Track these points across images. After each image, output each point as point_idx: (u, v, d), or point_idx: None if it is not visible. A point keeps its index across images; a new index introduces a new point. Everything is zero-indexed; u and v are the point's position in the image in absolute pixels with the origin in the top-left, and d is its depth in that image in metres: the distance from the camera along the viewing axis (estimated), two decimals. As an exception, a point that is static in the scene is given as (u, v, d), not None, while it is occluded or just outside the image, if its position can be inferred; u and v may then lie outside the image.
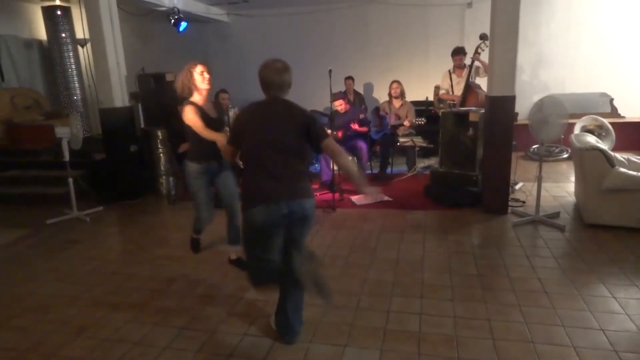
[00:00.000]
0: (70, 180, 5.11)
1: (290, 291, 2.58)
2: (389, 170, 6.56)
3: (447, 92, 6.27)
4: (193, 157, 3.32)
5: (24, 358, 2.61)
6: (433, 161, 6.93)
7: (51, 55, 7.95)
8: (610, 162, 3.98)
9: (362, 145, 5.79)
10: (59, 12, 7.66)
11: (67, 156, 5.06)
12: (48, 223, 5.00)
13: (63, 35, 7.76)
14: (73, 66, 7.95)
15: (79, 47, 7.99)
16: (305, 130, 2.40)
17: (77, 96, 8.05)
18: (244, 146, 2.45)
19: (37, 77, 8.19)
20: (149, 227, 4.88)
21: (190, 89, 3.20)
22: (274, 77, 2.41)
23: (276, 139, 2.36)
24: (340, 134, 5.84)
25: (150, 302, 3.17)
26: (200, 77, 3.17)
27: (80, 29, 7.67)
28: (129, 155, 5.78)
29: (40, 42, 8.23)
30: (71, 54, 7.89)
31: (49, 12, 7.68)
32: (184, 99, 3.24)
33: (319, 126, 2.45)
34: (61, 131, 4.97)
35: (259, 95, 2.59)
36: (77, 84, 8.04)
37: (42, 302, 3.27)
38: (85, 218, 5.11)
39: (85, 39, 7.51)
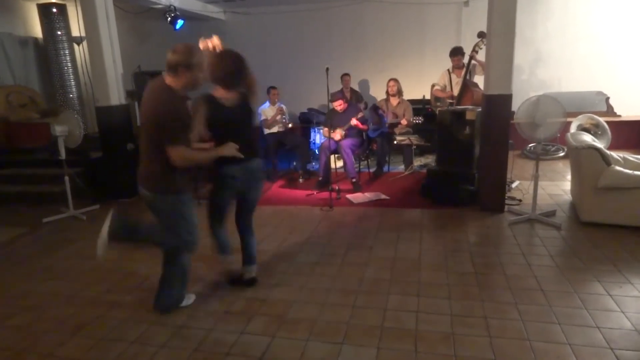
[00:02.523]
0: (67, 178, 5.10)
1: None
2: (385, 168, 6.58)
3: (443, 90, 6.28)
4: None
5: (21, 357, 2.60)
6: (430, 159, 6.95)
7: (47, 53, 7.91)
8: (606, 160, 4.00)
9: (347, 148, 5.65)
10: (54, 10, 7.62)
11: (63, 154, 5.04)
12: (44, 221, 4.98)
13: (59, 33, 7.72)
14: (69, 64, 7.91)
15: (75, 45, 7.95)
16: (155, 123, 2.51)
17: (73, 94, 8.02)
18: None
19: (32, 75, 8.15)
20: (146, 226, 4.86)
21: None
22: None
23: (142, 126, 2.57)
24: (338, 139, 5.80)
25: (147, 301, 3.16)
26: None
27: (76, 27, 7.63)
28: (126, 153, 5.76)
29: (35, 39, 8.19)
30: (67, 52, 7.86)
31: (44, 10, 7.64)
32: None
33: (169, 128, 2.48)
34: (58, 129, 4.95)
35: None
36: (73, 82, 8.00)
37: (39, 301, 3.27)
38: (82, 216, 5.09)
39: (81, 37, 7.47)
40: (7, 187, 6.14)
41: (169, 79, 2.57)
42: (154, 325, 2.86)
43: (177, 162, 2.55)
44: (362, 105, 7.04)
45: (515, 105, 4.56)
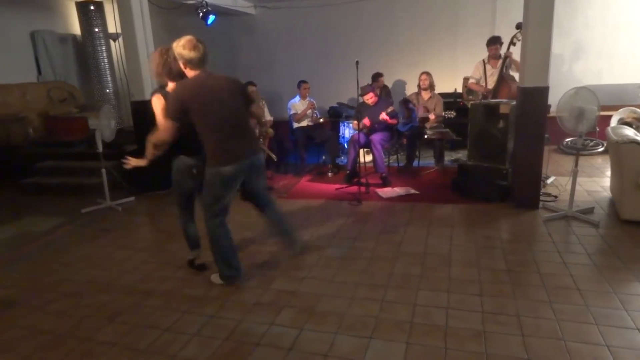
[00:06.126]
0: (104, 171, 5.27)
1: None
2: (415, 163, 6.50)
3: (478, 83, 6.13)
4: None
5: (61, 341, 2.72)
6: (461, 154, 6.82)
7: (85, 50, 8.18)
8: (650, 156, 3.83)
9: (377, 143, 5.61)
10: (92, 7, 7.86)
11: (100, 147, 5.21)
12: (83, 212, 5.18)
13: (96, 30, 7.97)
14: (105, 60, 8.16)
15: (111, 42, 8.19)
16: (243, 94, 3.12)
17: (109, 89, 8.27)
18: (200, 119, 2.93)
19: (71, 70, 8.44)
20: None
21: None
22: (202, 52, 2.92)
23: (233, 107, 2.97)
24: (368, 124, 5.77)
25: (180, 290, 3.25)
26: None
27: (113, 24, 7.86)
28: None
29: (74, 36, 8.47)
30: (104, 48, 8.10)
31: (82, 8, 7.89)
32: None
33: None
34: (95, 123, 5.13)
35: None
36: (109, 77, 8.25)
37: (77, 287, 3.40)
38: (118, 207, 5.26)
39: (117, 34, 7.69)
40: (48, 178, 6.41)
41: None
42: (186, 314, 2.93)
43: None
44: (390, 100, 6.95)
45: (551, 98, 4.41)
